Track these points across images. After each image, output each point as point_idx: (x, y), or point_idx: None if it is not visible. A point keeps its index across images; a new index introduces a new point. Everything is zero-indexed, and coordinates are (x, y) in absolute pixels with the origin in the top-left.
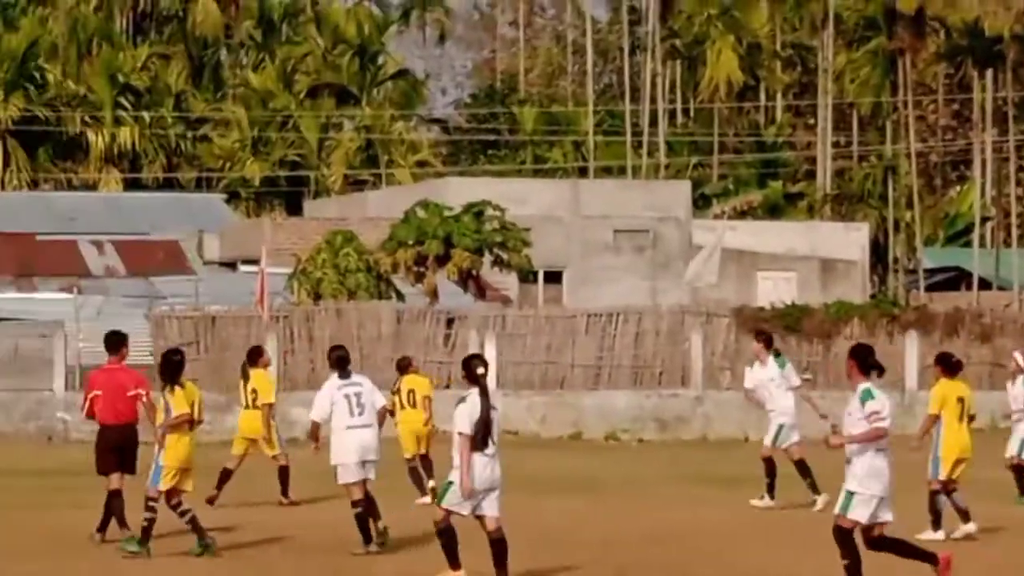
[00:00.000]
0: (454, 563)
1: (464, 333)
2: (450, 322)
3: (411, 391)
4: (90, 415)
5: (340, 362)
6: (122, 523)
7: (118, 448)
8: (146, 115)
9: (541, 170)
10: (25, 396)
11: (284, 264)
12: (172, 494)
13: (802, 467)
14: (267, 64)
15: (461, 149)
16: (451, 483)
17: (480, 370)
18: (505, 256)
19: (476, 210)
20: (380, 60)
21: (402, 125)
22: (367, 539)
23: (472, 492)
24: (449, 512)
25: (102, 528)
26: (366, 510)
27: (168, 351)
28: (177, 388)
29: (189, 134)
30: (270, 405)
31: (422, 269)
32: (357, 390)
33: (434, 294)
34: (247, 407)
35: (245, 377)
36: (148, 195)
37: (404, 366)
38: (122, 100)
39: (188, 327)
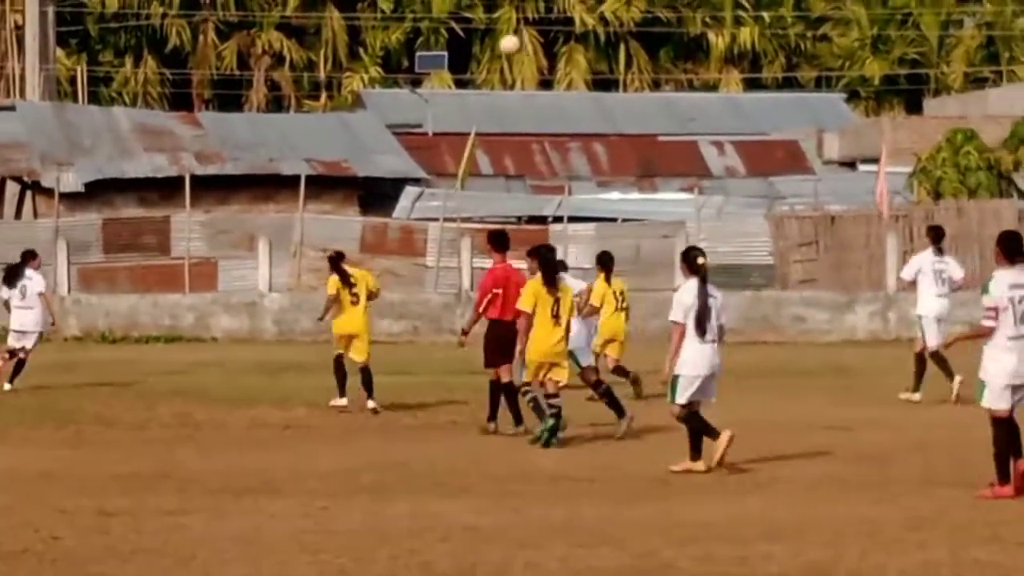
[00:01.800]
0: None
1: None
2: None
3: None
4: (483, 312)
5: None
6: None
7: (508, 342)
8: (766, 15)
9: None
10: (648, 296)
11: (903, 163)
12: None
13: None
14: None
15: None
16: (677, 376)
17: (700, 260)
18: None
19: None
20: None
21: None
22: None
23: (690, 378)
24: (684, 406)
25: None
26: None
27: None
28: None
29: (808, 33)
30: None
31: None
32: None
33: None
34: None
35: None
36: (767, 95)
37: None
38: (742, 0)
39: (807, 227)
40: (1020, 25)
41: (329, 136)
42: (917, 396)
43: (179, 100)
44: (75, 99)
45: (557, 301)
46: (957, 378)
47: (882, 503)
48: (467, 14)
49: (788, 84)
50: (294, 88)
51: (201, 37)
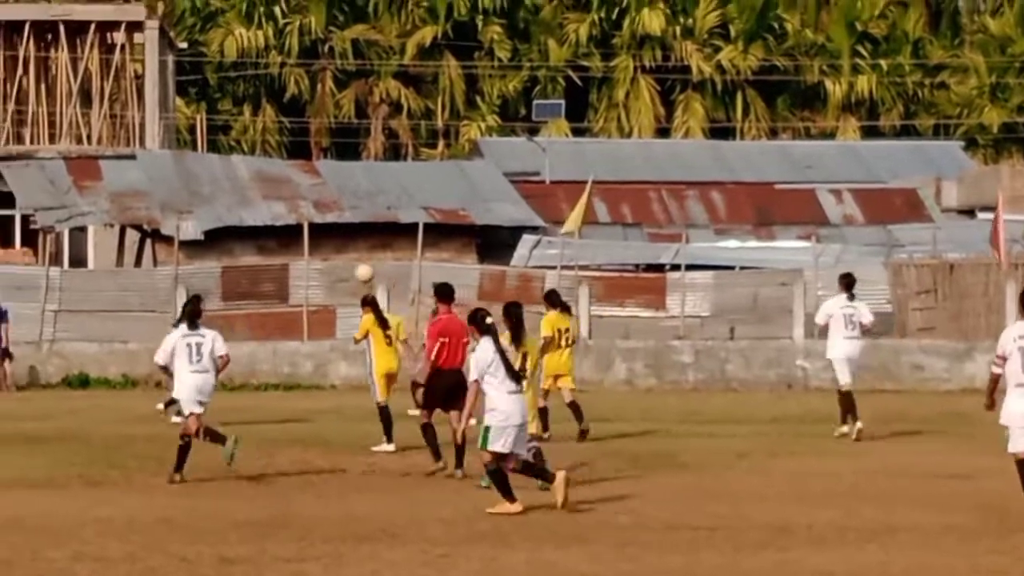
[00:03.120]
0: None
1: None
2: None
3: None
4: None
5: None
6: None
7: (453, 389)
8: (883, 63)
9: None
10: (765, 344)
11: (1022, 211)
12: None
13: None
14: (1005, 9)
15: None
16: (488, 426)
17: (488, 320)
18: None
19: None
20: None
21: None
22: None
23: (501, 428)
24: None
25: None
26: None
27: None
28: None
29: (927, 81)
30: None
31: None
32: None
33: None
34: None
35: None
36: (885, 143)
37: None
38: (860, 48)
39: (925, 274)
40: None
41: (447, 184)
42: (845, 428)
43: (297, 148)
44: (194, 147)
45: (524, 356)
46: (858, 425)
47: (1002, 554)
48: (584, 62)
49: (906, 132)
50: (412, 136)
51: (319, 86)
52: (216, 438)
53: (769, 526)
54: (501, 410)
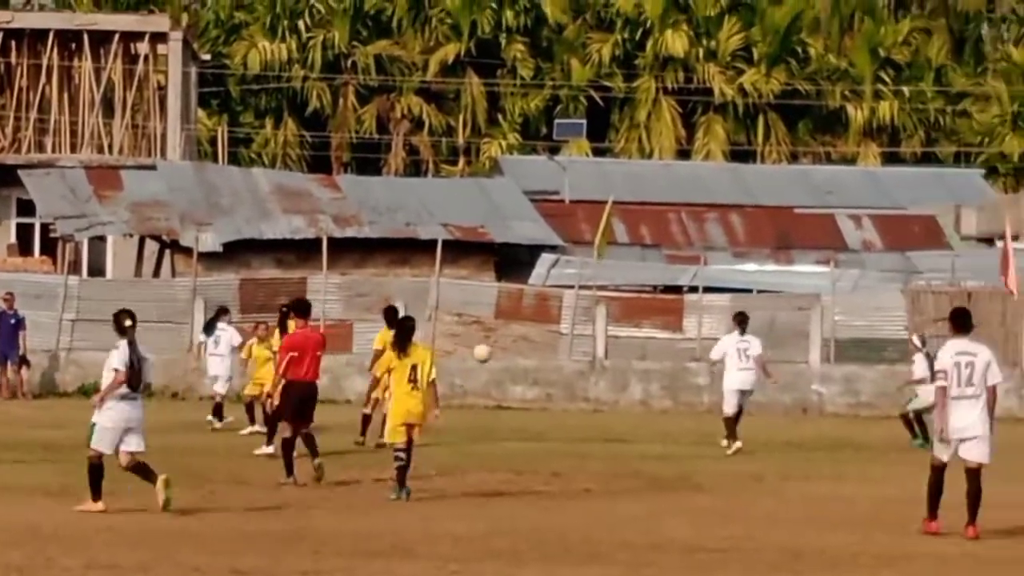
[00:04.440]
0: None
1: None
2: None
3: None
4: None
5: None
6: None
7: (304, 401)
8: (906, 89)
9: None
10: (781, 368)
11: None
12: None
13: None
14: None
15: None
16: (95, 424)
17: (127, 322)
18: None
19: None
20: None
21: None
22: None
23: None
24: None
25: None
26: None
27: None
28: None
29: (948, 108)
30: None
31: None
32: None
33: None
34: None
35: None
36: (906, 169)
37: None
38: (882, 74)
39: (943, 302)
40: None
41: (466, 201)
42: (737, 444)
43: (318, 162)
44: (215, 159)
45: (413, 367)
46: (736, 444)
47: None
48: (606, 82)
49: (927, 159)
50: (432, 153)
51: (341, 100)
52: None
53: (783, 549)
54: (115, 411)
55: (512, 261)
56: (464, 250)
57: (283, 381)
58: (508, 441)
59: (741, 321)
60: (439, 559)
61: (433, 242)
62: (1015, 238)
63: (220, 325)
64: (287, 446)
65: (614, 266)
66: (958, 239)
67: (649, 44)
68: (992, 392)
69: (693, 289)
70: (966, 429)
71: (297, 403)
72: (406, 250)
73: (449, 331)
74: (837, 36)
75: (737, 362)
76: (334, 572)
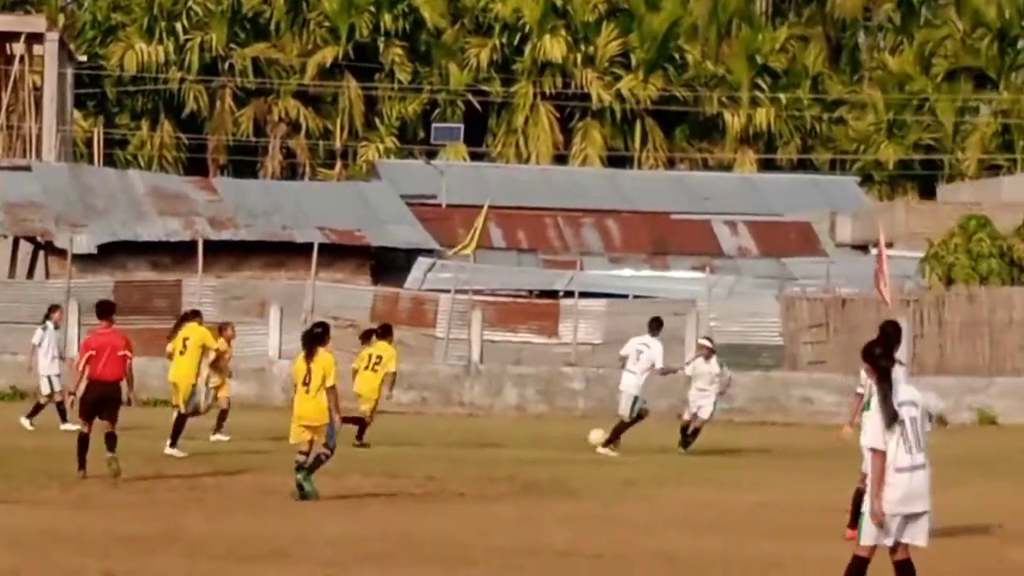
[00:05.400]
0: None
1: None
2: None
3: None
4: (83, 371)
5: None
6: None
7: (101, 399)
8: (782, 96)
9: None
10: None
11: (916, 247)
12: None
13: None
14: (904, 47)
15: None
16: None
17: None
18: None
19: None
20: (1020, 44)
21: None
22: None
23: None
24: None
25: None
26: None
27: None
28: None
29: (825, 116)
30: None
31: None
32: None
33: None
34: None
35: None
36: (782, 176)
37: None
38: (759, 81)
39: (818, 308)
40: None
41: (343, 205)
42: (602, 450)
43: (194, 165)
44: (91, 161)
45: (309, 371)
46: (614, 453)
47: None
48: (484, 87)
49: (803, 166)
50: (309, 156)
51: (218, 103)
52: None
53: (657, 555)
54: None
55: (388, 265)
56: (340, 254)
57: (84, 380)
58: (383, 445)
59: (651, 325)
60: (313, 562)
61: (309, 245)
62: (889, 245)
63: (47, 323)
64: (81, 441)
65: (490, 271)
66: (833, 246)
67: (527, 49)
68: None
69: (569, 294)
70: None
71: (93, 401)
72: (282, 253)
73: None
74: (715, 43)
75: (632, 363)
76: (207, 575)
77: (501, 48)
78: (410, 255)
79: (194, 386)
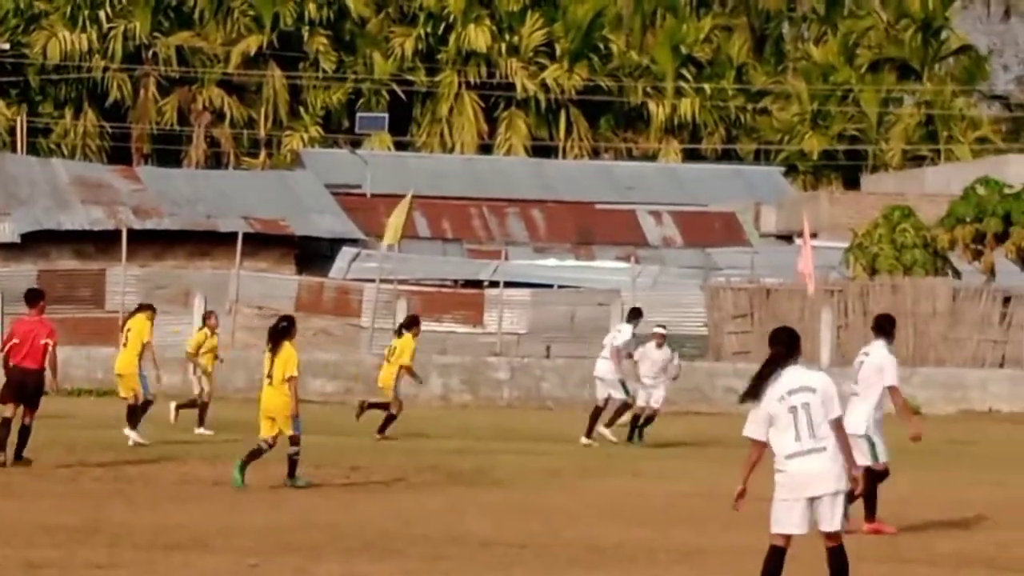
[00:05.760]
0: None
1: (1021, 312)
2: (1007, 300)
3: None
4: (6, 357)
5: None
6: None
7: (21, 386)
8: (707, 87)
9: None
10: (581, 364)
11: (840, 238)
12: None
13: None
14: (829, 38)
15: (1022, 126)
16: None
17: None
18: None
19: None
20: (943, 35)
21: (963, 101)
22: None
23: None
24: None
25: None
26: None
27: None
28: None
29: (749, 106)
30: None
31: (979, 247)
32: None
33: (991, 272)
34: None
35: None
36: (706, 166)
37: None
38: (684, 71)
39: (742, 298)
40: (958, 105)
41: (267, 194)
42: (606, 435)
43: (118, 154)
44: (14, 149)
45: (273, 364)
46: (587, 441)
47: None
48: (409, 77)
49: (727, 156)
50: (234, 145)
51: (142, 91)
52: None
53: (580, 544)
54: None
55: (313, 254)
56: (265, 243)
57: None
58: (307, 434)
59: (629, 314)
60: (238, 552)
61: (233, 235)
62: (814, 236)
63: None
64: (3, 425)
65: (415, 260)
66: (757, 236)
67: (452, 39)
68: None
69: (494, 284)
70: None
71: (15, 387)
72: (206, 242)
73: (249, 324)
74: (639, 33)
75: (606, 350)
76: (131, 565)
77: (426, 37)
78: (335, 245)
79: (143, 376)
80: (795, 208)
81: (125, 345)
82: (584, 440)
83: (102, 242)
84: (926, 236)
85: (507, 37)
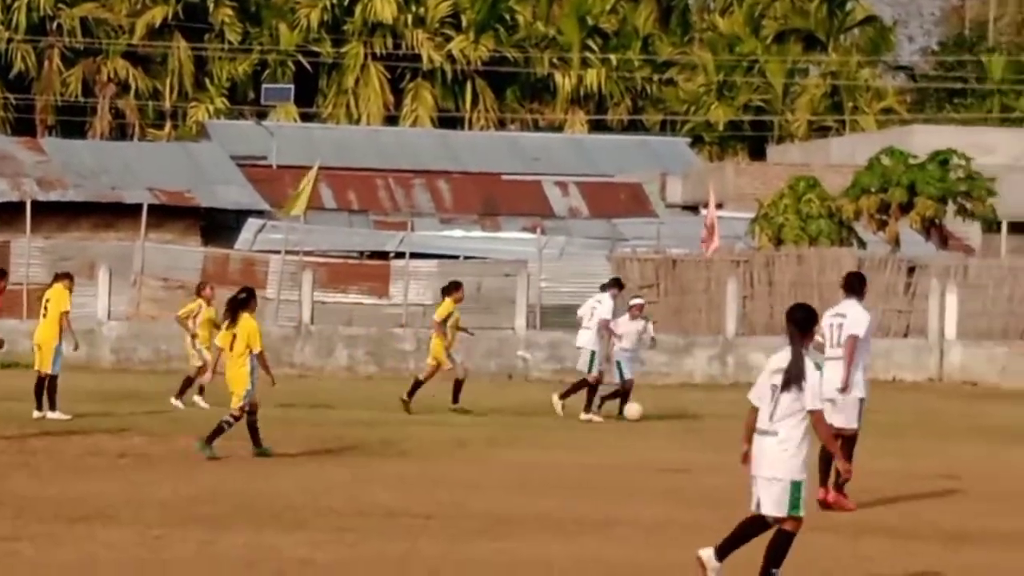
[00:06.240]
0: None
1: (925, 282)
2: (911, 270)
3: None
4: None
5: None
6: None
7: None
8: (613, 57)
9: (1008, 119)
10: (487, 334)
11: (746, 208)
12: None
13: None
14: (735, 8)
15: (927, 97)
16: None
17: None
18: (969, 206)
19: (941, 159)
20: (848, 6)
21: (868, 72)
22: None
23: None
24: None
25: None
26: None
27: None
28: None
29: (655, 77)
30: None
31: (884, 217)
32: None
33: (896, 242)
34: None
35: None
36: (613, 137)
37: None
38: (590, 42)
39: (649, 269)
40: (864, 76)
41: (173, 166)
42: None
43: (22, 125)
44: None
45: (234, 336)
46: (566, 412)
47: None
48: (314, 48)
49: (633, 127)
50: (139, 117)
51: (46, 63)
52: None
53: (487, 515)
54: None
55: (218, 226)
56: (170, 214)
57: None
58: (215, 406)
59: (608, 284)
60: (143, 524)
61: (138, 206)
62: (719, 206)
63: None
64: None
65: (320, 231)
66: (663, 207)
67: (357, 10)
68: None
69: (400, 255)
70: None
71: None
72: (111, 214)
73: (154, 296)
74: (545, 4)
75: (587, 320)
76: (35, 538)
77: (331, 9)
78: (240, 216)
79: (58, 349)
80: (701, 179)
81: (45, 316)
82: (583, 416)
83: (6, 214)
84: (831, 206)
85: (413, 8)
